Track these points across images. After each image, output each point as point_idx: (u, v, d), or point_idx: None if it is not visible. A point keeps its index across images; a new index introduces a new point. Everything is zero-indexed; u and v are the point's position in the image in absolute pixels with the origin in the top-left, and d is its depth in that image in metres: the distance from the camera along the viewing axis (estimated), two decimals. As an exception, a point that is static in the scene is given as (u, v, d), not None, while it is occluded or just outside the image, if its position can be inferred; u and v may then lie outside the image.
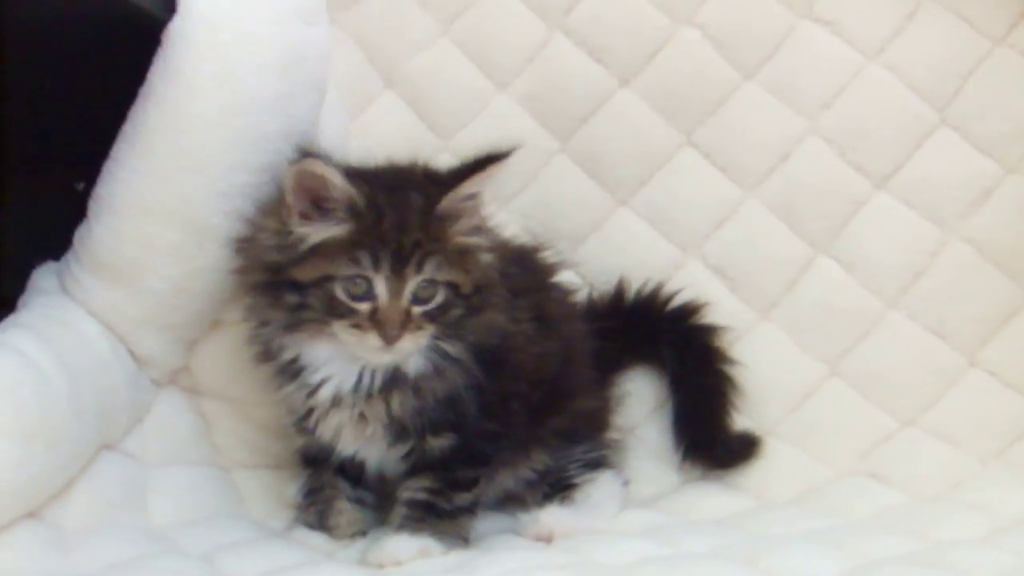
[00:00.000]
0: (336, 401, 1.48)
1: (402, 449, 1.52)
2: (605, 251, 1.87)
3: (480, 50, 1.91)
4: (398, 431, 1.50)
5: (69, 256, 1.60)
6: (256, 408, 1.70)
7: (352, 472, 1.60)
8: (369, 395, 1.47)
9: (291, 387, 1.51)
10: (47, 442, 1.37)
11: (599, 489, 1.63)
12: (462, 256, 1.46)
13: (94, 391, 1.50)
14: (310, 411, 1.52)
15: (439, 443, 1.49)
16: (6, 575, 1.29)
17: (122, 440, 1.59)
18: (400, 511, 1.50)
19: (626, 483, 1.69)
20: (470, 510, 1.52)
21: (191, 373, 1.70)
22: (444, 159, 1.78)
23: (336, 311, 1.41)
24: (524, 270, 1.61)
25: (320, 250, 1.41)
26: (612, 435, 1.75)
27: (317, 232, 1.41)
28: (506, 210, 1.86)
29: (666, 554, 1.35)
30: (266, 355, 1.52)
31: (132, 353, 1.60)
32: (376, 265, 1.40)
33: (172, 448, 1.66)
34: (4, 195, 1.74)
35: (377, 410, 1.48)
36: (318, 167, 1.38)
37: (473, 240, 1.48)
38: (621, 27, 1.90)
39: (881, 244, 1.83)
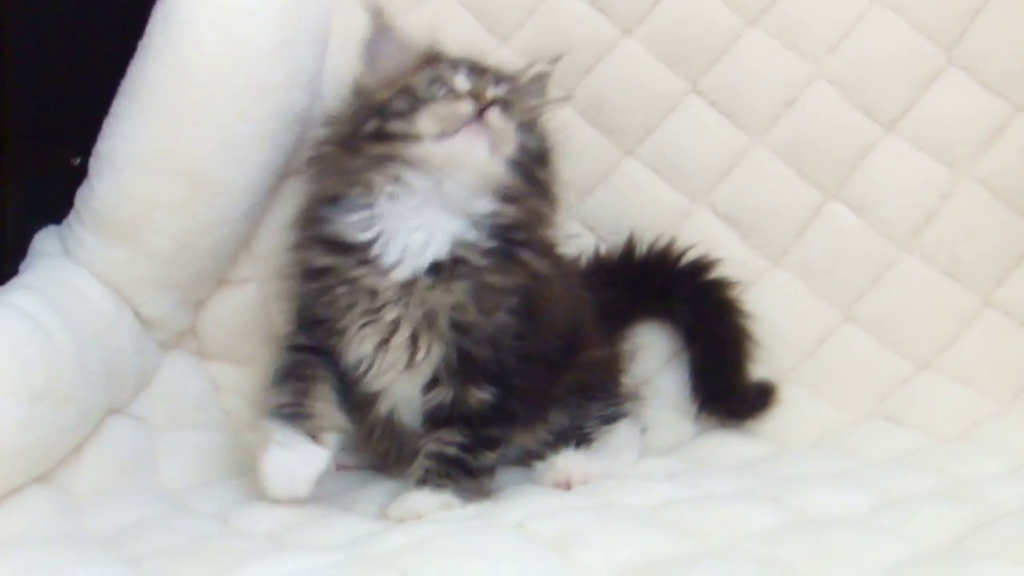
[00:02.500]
0: (405, 288, 1.42)
1: (439, 395, 1.46)
2: (612, 201, 1.85)
3: (480, 3, 1.89)
4: (446, 361, 1.45)
5: (71, 217, 1.58)
6: (264, 369, 1.68)
7: None
8: (437, 277, 1.42)
9: (358, 269, 1.43)
10: (55, 403, 1.35)
11: (617, 435, 1.62)
12: (528, 112, 1.50)
13: (100, 353, 1.48)
14: (345, 333, 1.46)
15: (480, 395, 1.45)
16: (17, 540, 1.27)
17: (130, 403, 1.58)
18: (424, 463, 1.44)
19: (644, 430, 1.68)
20: (492, 470, 1.49)
21: (198, 335, 1.69)
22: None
23: (419, 106, 1.43)
24: None
25: (396, 75, 1.48)
26: (626, 387, 1.73)
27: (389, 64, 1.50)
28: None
29: (691, 495, 1.33)
30: (327, 243, 1.46)
31: (138, 314, 1.58)
32: (455, 68, 1.48)
33: (180, 411, 1.65)
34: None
35: (441, 308, 1.43)
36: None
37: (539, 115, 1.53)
38: (622, -24, 1.88)
39: (891, 187, 1.81)
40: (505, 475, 1.56)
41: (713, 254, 1.81)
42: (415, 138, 1.41)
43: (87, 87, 1.58)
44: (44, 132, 1.71)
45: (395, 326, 1.43)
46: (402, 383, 1.49)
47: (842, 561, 1.07)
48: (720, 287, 1.79)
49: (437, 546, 1.12)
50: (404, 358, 1.45)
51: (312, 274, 1.47)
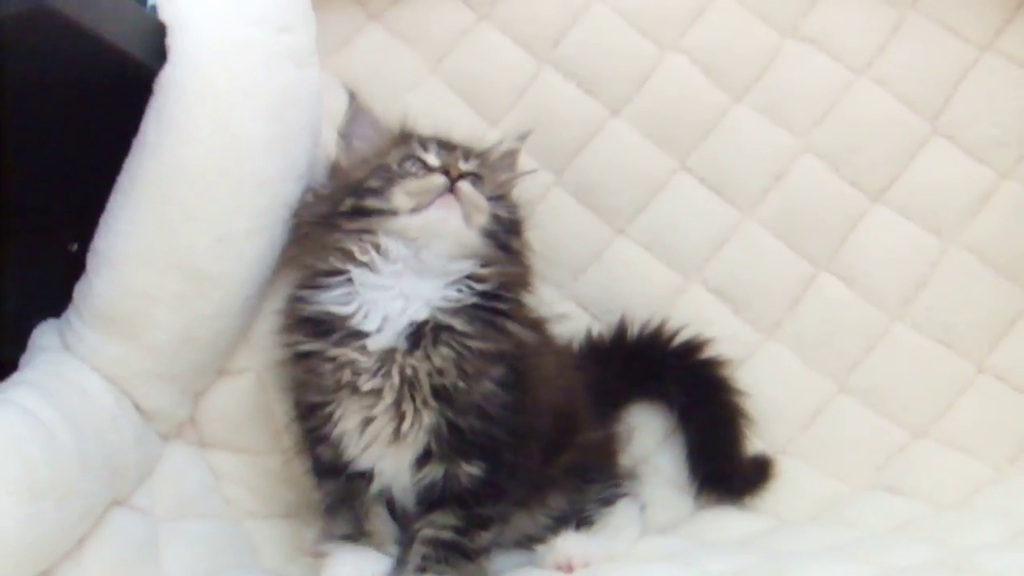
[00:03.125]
0: (385, 356, 1.43)
1: (430, 472, 1.46)
2: (605, 280, 1.87)
3: (470, 87, 1.92)
4: (434, 432, 1.45)
5: (70, 312, 1.59)
6: (264, 457, 1.69)
7: None
8: (416, 344, 1.43)
9: (339, 348, 1.45)
10: (57, 499, 1.35)
11: (617, 515, 1.62)
12: (499, 187, 1.56)
13: (101, 446, 1.49)
14: (334, 411, 1.47)
15: (469, 471, 1.45)
16: (22, 637, 1.27)
17: (132, 495, 1.58)
18: (421, 551, 1.44)
19: (643, 508, 1.68)
20: (488, 551, 1.48)
21: (197, 426, 1.69)
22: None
23: (394, 182, 1.48)
24: None
25: (370, 155, 1.54)
26: (622, 468, 1.73)
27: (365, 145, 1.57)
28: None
29: None
30: (308, 322, 1.49)
31: (138, 407, 1.58)
32: (425, 145, 1.54)
33: (182, 502, 1.64)
34: (-2, 259, 1.73)
35: (421, 374, 1.43)
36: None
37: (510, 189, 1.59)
38: (609, 57, 1.91)
39: (881, 257, 1.83)
40: (507, 559, 1.57)
41: (706, 330, 1.83)
42: (391, 213, 1.46)
43: (83, 176, 1.59)
44: (40, 219, 1.72)
45: (377, 396, 1.44)
46: (391, 459, 1.48)
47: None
48: (711, 366, 1.80)
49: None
50: (389, 429, 1.45)
51: (298, 359, 1.49)
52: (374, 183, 1.49)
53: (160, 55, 1.50)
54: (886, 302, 1.81)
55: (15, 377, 1.52)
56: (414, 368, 1.43)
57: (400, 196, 1.46)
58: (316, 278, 1.48)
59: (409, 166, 1.50)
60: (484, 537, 1.46)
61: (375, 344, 1.43)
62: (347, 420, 1.47)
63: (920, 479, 1.70)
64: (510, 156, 1.64)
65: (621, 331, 1.83)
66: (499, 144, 1.63)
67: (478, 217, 1.47)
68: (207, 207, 1.51)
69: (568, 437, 1.60)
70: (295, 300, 1.51)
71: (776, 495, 1.71)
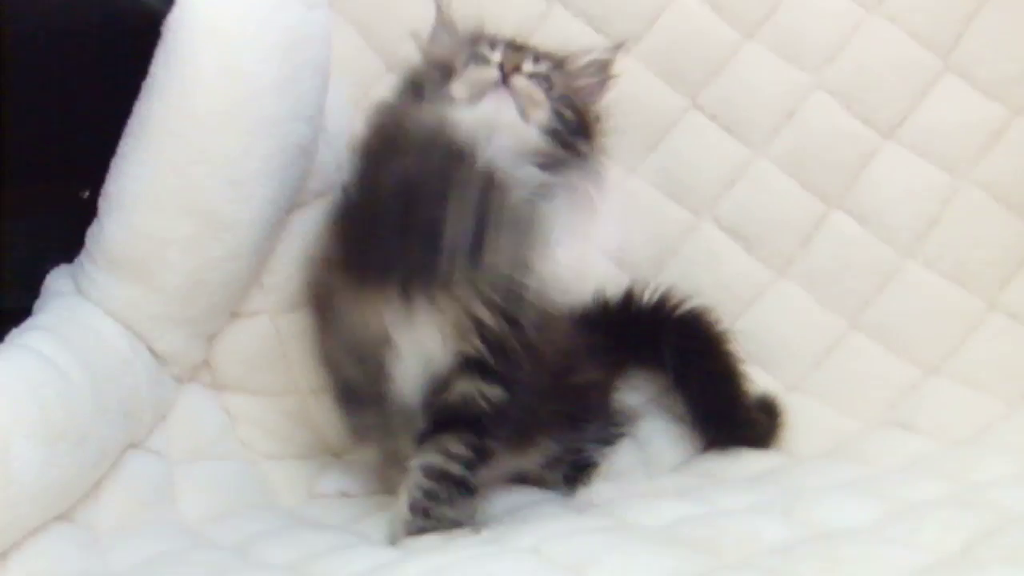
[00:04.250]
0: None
1: (459, 387, 1.42)
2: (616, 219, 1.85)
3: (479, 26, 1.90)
4: (484, 338, 1.41)
5: (82, 256, 1.60)
6: (279, 399, 1.69)
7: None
8: None
9: None
10: (73, 442, 1.37)
11: (623, 457, 1.62)
12: (578, 93, 1.54)
13: (116, 390, 1.50)
14: None
15: (492, 393, 1.41)
16: (42, 578, 1.28)
17: (147, 438, 1.59)
18: (422, 484, 1.40)
19: (644, 448, 1.69)
20: (477, 490, 1.44)
21: (212, 368, 1.69)
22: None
23: (453, 75, 1.49)
24: None
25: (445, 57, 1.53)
26: (625, 409, 1.74)
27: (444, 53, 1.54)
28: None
29: (702, 512, 1.34)
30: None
31: (152, 350, 1.59)
32: (493, 45, 1.53)
33: (198, 444, 1.65)
34: (7, 207, 1.73)
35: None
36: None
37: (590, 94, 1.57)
38: (618, -4, 1.90)
39: (893, 194, 1.83)
40: (518, 495, 1.58)
41: (718, 268, 1.83)
42: (449, 101, 1.45)
43: (93, 122, 1.60)
44: (51, 167, 1.72)
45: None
46: (425, 341, 1.43)
47: (853, 573, 1.09)
48: (707, 327, 1.77)
49: (456, 573, 1.13)
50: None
51: None
52: (436, 75, 1.49)
53: (168, -2, 1.51)
54: (898, 240, 1.81)
55: (29, 322, 1.52)
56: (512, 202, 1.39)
57: (458, 87, 1.47)
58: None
59: (473, 62, 1.50)
60: (482, 474, 1.43)
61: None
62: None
63: (932, 416, 1.70)
64: (601, 65, 1.60)
65: (627, 300, 1.80)
66: (586, 52, 1.59)
67: (537, 113, 1.46)
68: (216, 149, 1.51)
69: (561, 379, 1.57)
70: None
71: (788, 432, 1.71)
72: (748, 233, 1.84)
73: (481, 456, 1.42)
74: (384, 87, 1.67)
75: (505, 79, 1.45)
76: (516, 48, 1.54)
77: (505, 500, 1.55)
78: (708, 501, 1.40)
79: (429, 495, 1.39)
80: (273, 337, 1.69)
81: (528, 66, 1.50)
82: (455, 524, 1.39)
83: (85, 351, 1.47)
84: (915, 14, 1.86)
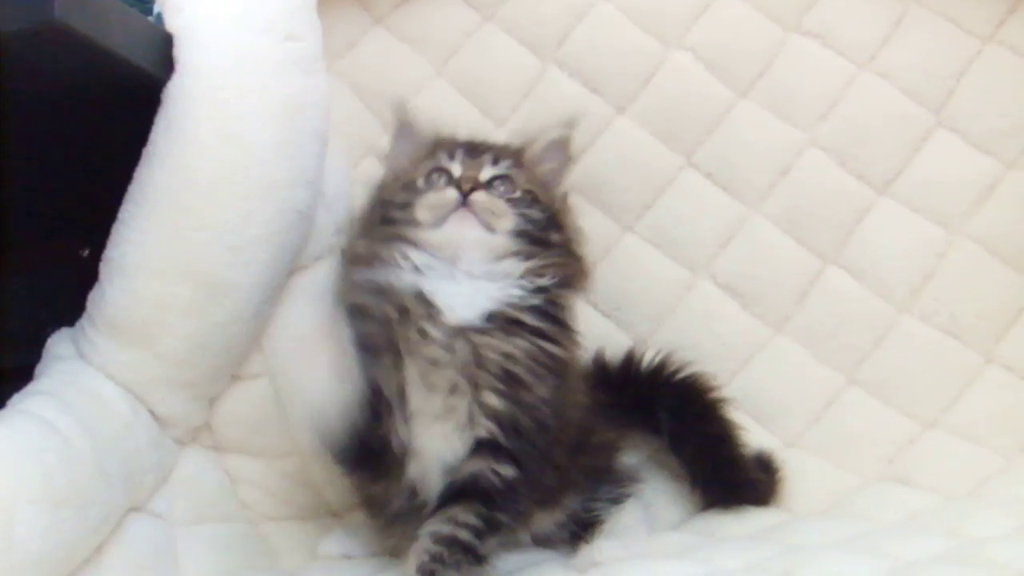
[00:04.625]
0: (451, 334, 1.41)
1: (473, 465, 1.43)
2: (614, 277, 1.87)
3: (475, 88, 1.94)
4: (495, 420, 1.43)
5: (83, 320, 1.61)
6: (280, 460, 1.70)
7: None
8: (489, 328, 1.42)
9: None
10: (75, 507, 1.37)
11: (626, 514, 1.62)
12: (541, 183, 1.54)
13: (118, 454, 1.50)
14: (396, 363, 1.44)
15: (505, 471, 1.43)
16: (44, 645, 1.29)
17: (149, 501, 1.59)
18: (430, 549, 1.39)
19: (647, 507, 1.68)
20: (487, 559, 1.44)
21: (212, 431, 1.70)
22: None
23: (417, 196, 1.49)
24: None
25: (408, 168, 1.54)
26: (627, 469, 1.72)
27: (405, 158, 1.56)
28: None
29: (701, 572, 1.34)
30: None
31: (153, 413, 1.60)
32: (451, 154, 1.53)
33: (199, 506, 1.65)
34: (9, 266, 1.74)
35: (492, 356, 1.41)
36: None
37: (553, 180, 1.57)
38: (614, 55, 1.92)
39: (888, 249, 1.84)
40: (521, 558, 1.57)
41: (716, 326, 1.84)
42: (416, 225, 1.46)
43: (94, 183, 1.61)
44: (51, 227, 1.73)
45: (439, 366, 1.42)
46: (437, 438, 1.45)
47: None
48: (704, 393, 1.76)
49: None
50: (442, 401, 1.43)
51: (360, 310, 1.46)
52: (402, 198, 1.50)
53: (168, 65, 1.52)
54: (894, 294, 1.82)
55: (31, 387, 1.53)
56: (486, 348, 1.42)
57: (421, 211, 1.47)
58: (374, 262, 1.47)
59: (435, 178, 1.50)
60: (494, 542, 1.45)
61: (449, 318, 1.42)
62: (407, 384, 1.44)
63: (930, 470, 1.70)
64: (560, 144, 1.60)
65: (626, 363, 1.80)
66: (544, 134, 1.59)
67: (502, 222, 1.47)
68: (217, 215, 1.53)
69: (587, 438, 1.60)
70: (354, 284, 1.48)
71: (787, 488, 1.70)
72: (745, 290, 1.85)
73: (491, 527, 1.43)
74: (382, 148, 1.69)
75: (465, 199, 1.46)
76: (474, 152, 1.54)
77: (508, 561, 1.54)
78: (708, 561, 1.40)
79: (436, 559, 1.39)
80: (273, 399, 1.69)
81: (487, 171, 1.51)
82: None
83: (87, 415, 1.48)
84: (907, 71, 1.88)
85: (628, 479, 1.70)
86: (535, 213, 1.50)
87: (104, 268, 1.57)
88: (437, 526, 1.41)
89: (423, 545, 1.40)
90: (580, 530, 1.60)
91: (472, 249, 1.46)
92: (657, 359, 1.77)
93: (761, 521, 1.63)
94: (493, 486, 1.43)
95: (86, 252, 1.67)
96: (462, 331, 1.42)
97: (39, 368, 1.62)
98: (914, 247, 1.83)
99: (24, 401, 1.47)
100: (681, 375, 1.76)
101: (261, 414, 1.67)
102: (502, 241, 1.47)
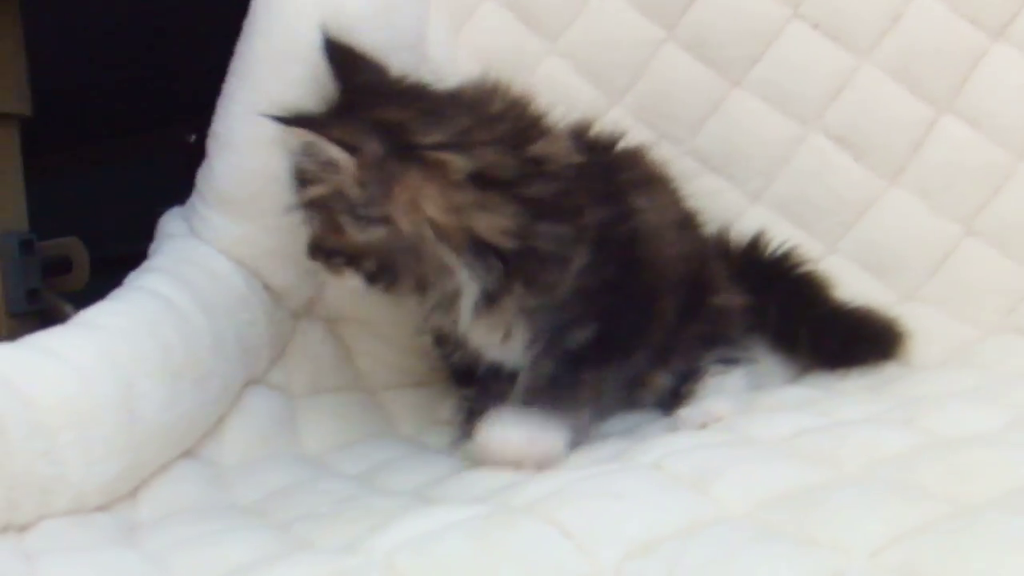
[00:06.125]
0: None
1: (536, 348, 1.43)
2: (724, 133, 1.83)
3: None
4: (535, 327, 1.43)
5: (194, 197, 1.62)
6: (391, 328, 1.71)
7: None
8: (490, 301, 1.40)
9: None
10: (194, 380, 1.40)
11: (731, 378, 1.60)
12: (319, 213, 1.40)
13: (234, 327, 1.53)
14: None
15: (581, 334, 1.42)
16: (170, 513, 1.32)
17: (267, 373, 1.62)
18: (519, 391, 1.42)
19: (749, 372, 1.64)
20: (595, 385, 1.44)
21: (326, 301, 1.71)
22: (551, 63, 1.79)
23: None
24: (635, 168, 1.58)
25: None
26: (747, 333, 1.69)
27: None
28: (620, 104, 1.84)
29: (822, 424, 1.33)
30: None
31: (267, 286, 1.61)
32: None
33: (317, 376, 1.68)
34: (120, 155, 1.76)
35: (508, 313, 1.42)
36: None
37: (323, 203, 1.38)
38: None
39: (1004, 96, 1.79)
40: (640, 416, 1.58)
41: (829, 178, 1.81)
42: None
43: (197, 68, 1.61)
44: (159, 113, 1.75)
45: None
46: (507, 353, 1.47)
47: (977, 479, 1.07)
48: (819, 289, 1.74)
49: (577, 491, 1.13)
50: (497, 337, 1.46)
51: None
52: None
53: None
54: (1011, 141, 1.77)
55: (146, 264, 1.56)
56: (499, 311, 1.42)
57: None
58: None
59: None
60: (590, 373, 1.43)
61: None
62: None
63: (1052, 321, 1.67)
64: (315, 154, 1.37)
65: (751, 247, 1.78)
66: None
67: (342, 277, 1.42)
68: (318, 83, 1.52)
69: (700, 303, 1.59)
70: None
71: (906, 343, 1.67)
72: (857, 141, 1.81)
73: (583, 363, 1.42)
74: (482, 15, 1.66)
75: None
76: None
77: (622, 420, 1.55)
78: (828, 413, 1.38)
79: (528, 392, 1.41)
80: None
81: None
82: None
83: (202, 290, 1.50)
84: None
85: (743, 345, 1.67)
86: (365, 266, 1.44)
87: (211, 144, 1.58)
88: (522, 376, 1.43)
89: (515, 391, 1.42)
90: (690, 387, 1.59)
91: None
92: (780, 251, 1.75)
93: (879, 375, 1.61)
94: (577, 346, 1.42)
95: (193, 138, 1.68)
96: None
97: (152, 247, 1.64)
98: (1031, 92, 1.78)
99: (139, 278, 1.50)
100: (799, 271, 1.74)
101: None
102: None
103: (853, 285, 1.74)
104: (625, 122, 1.73)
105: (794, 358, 1.71)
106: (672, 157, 1.71)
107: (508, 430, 1.36)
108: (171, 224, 1.65)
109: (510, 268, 1.38)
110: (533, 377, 1.42)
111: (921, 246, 1.77)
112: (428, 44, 1.66)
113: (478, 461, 1.38)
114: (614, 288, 1.42)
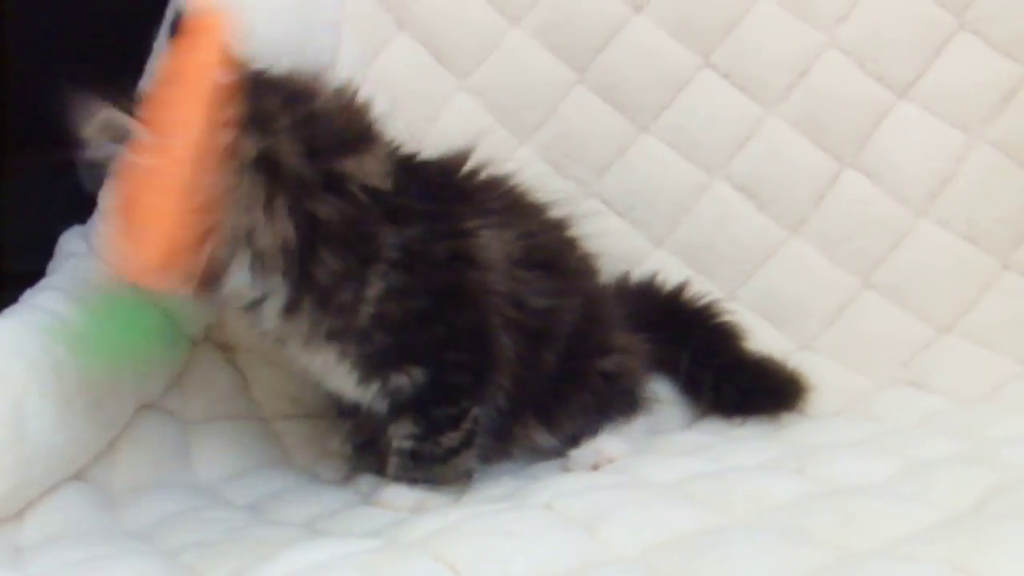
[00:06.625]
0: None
1: (372, 386, 1.41)
2: (629, 177, 1.85)
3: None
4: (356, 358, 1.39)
5: (95, 217, 1.60)
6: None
7: None
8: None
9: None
10: (86, 401, 1.38)
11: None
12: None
13: (130, 349, 1.50)
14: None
15: (401, 380, 1.39)
16: (56, 536, 1.29)
17: (162, 398, 1.59)
18: (392, 460, 1.43)
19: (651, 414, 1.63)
20: (465, 446, 1.42)
21: (224, 328, 1.69)
22: (461, 99, 1.79)
23: None
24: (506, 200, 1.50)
25: None
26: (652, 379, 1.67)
27: None
28: (528, 144, 1.85)
29: (714, 469, 1.34)
30: None
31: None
32: None
33: (212, 404, 1.65)
34: (18, 170, 1.73)
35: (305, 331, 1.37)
36: None
37: None
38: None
39: (906, 153, 1.82)
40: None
41: (731, 226, 1.83)
42: None
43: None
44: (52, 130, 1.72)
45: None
46: (339, 382, 1.45)
47: (865, 529, 1.09)
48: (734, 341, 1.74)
49: (468, 529, 1.13)
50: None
51: None
52: None
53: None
54: (911, 198, 1.80)
55: (43, 283, 1.54)
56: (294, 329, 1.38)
57: None
58: None
59: None
60: (452, 437, 1.41)
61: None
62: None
63: (945, 375, 1.70)
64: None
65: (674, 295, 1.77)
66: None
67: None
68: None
69: (585, 364, 1.54)
70: None
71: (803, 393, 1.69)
72: (760, 192, 1.83)
73: (438, 427, 1.41)
74: (396, 48, 1.66)
75: None
76: None
77: (513, 459, 1.55)
78: (721, 459, 1.40)
79: (398, 468, 1.43)
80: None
81: None
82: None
83: (98, 311, 1.47)
84: (929, -29, 1.85)
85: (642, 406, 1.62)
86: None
87: (113, 163, 1.56)
88: (391, 441, 1.44)
89: (390, 459, 1.44)
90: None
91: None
92: (702, 301, 1.76)
93: (773, 423, 1.63)
94: (408, 396, 1.40)
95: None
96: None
97: (51, 265, 1.62)
98: (932, 151, 1.81)
99: (36, 296, 1.47)
100: (715, 320, 1.75)
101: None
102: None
103: (751, 333, 1.75)
104: (533, 162, 1.75)
105: (697, 403, 1.72)
106: (577, 198, 1.71)
107: (400, 495, 1.40)
108: (71, 243, 1.63)
109: (295, 282, 1.33)
110: (398, 451, 1.43)
111: (819, 297, 1.80)
112: (338, 72, 1.65)
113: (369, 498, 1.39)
114: (431, 319, 1.38)
